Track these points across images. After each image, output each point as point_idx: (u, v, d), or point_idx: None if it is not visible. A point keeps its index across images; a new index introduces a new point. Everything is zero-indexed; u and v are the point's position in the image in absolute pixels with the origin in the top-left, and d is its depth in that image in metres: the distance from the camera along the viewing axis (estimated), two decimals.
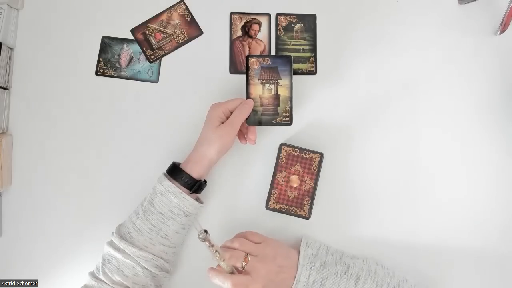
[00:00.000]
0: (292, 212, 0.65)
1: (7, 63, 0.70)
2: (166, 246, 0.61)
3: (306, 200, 0.65)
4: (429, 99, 0.70)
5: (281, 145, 0.66)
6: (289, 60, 0.66)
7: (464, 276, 0.67)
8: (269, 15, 0.72)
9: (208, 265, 0.56)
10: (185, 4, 0.72)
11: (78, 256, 0.68)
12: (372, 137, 0.69)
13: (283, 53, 0.71)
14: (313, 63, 0.71)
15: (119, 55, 0.71)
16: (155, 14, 0.72)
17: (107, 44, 0.71)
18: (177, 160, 0.64)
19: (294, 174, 0.65)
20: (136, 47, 0.72)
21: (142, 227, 0.60)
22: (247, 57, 0.66)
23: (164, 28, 0.72)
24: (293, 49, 0.71)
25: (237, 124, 0.63)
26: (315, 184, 0.65)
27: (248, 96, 0.66)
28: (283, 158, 0.66)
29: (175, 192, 0.60)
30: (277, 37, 0.71)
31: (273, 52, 0.71)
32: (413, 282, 0.61)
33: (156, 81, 0.71)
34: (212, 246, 0.54)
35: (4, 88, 0.70)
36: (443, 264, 0.67)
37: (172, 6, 0.72)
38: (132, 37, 0.72)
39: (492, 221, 0.68)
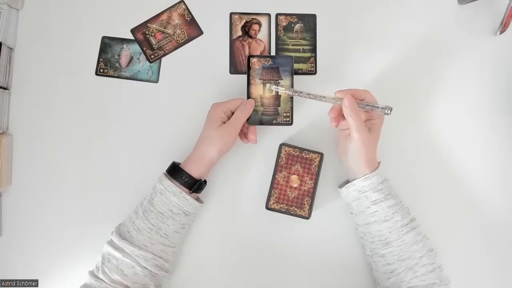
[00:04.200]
0: (292, 212, 0.65)
1: (7, 63, 0.70)
2: (165, 246, 0.61)
3: (306, 200, 0.65)
4: (429, 99, 0.70)
5: (281, 145, 0.66)
6: (290, 61, 0.66)
7: (465, 276, 0.67)
8: (269, 15, 0.72)
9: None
10: (185, 4, 0.72)
11: (78, 256, 0.68)
12: None
13: (283, 53, 0.71)
14: (313, 63, 0.71)
15: (119, 55, 0.71)
16: (155, 14, 0.72)
17: (107, 44, 0.71)
18: (177, 160, 0.64)
19: (294, 174, 0.65)
20: (136, 47, 0.72)
21: (141, 226, 0.60)
22: (249, 57, 0.66)
23: (164, 28, 0.72)
24: (293, 49, 0.71)
25: (239, 125, 0.63)
26: (315, 184, 0.65)
27: (249, 96, 0.66)
28: (283, 158, 0.65)
29: (175, 192, 0.60)
30: (277, 37, 0.71)
31: (273, 52, 0.71)
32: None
33: (156, 81, 0.71)
34: (308, 94, 0.60)
35: (4, 88, 0.70)
36: (444, 264, 0.66)
37: (172, 6, 0.72)
38: (132, 37, 0.72)
39: (493, 220, 0.68)
